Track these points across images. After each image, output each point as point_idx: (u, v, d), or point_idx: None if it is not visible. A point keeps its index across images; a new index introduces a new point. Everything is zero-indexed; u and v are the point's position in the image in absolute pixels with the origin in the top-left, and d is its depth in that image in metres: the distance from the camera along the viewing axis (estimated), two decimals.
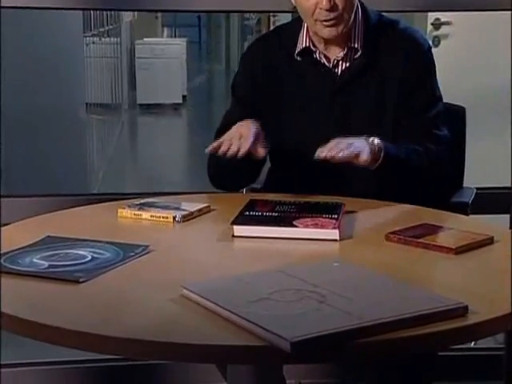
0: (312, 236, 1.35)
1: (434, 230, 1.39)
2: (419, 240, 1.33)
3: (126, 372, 2.30)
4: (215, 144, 1.57)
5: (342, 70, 1.72)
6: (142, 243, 1.31)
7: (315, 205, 1.51)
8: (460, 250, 1.29)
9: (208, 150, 1.58)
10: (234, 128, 1.61)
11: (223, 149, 1.55)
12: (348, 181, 1.68)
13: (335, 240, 1.35)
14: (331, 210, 1.46)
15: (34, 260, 1.23)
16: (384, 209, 1.52)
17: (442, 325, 0.99)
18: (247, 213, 1.46)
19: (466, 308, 1.02)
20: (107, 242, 1.31)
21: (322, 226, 1.37)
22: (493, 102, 3.15)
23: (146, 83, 9.69)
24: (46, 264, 1.21)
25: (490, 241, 1.34)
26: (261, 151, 1.59)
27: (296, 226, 1.38)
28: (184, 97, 10.27)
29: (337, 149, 1.51)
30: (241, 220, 1.41)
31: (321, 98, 1.72)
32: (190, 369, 2.29)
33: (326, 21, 1.66)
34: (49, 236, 1.35)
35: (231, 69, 14.02)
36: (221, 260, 1.30)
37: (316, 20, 1.67)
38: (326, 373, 2.30)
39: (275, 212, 1.46)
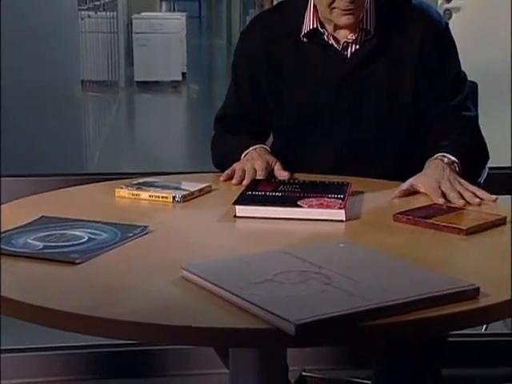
0: (317, 216, 1.35)
1: (445, 210, 1.39)
2: (429, 220, 1.33)
3: (125, 358, 2.32)
4: (229, 171, 1.62)
5: (351, 53, 1.66)
6: (141, 224, 1.31)
7: (321, 184, 1.51)
8: (471, 231, 1.29)
9: (221, 179, 1.62)
10: (249, 158, 1.64)
11: (235, 181, 1.59)
12: (359, 169, 1.67)
13: (341, 220, 1.34)
14: (337, 190, 1.45)
15: (29, 241, 1.23)
16: (394, 189, 1.51)
17: (452, 307, 0.99)
18: (250, 192, 1.46)
19: (477, 290, 1.02)
20: (104, 223, 1.31)
21: (328, 206, 1.37)
22: (506, 77, 3.14)
23: (143, 60, 9.66)
24: (41, 245, 1.21)
25: (502, 221, 1.34)
26: (284, 174, 1.62)
27: (300, 206, 1.37)
28: (183, 74, 10.24)
29: (456, 194, 1.46)
30: (243, 200, 1.41)
31: (328, 83, 1.67)
32: (191, 355, 2.30)
33: (345, 10, 1.60)
34: (44, 216, 1.36)
35: (233, 44, 13.94)
36: (222, 241, 1.30)
37: (334, 8, 1.60)
38: (331, 360, 2.31)
39: (279, 192, 1.45)
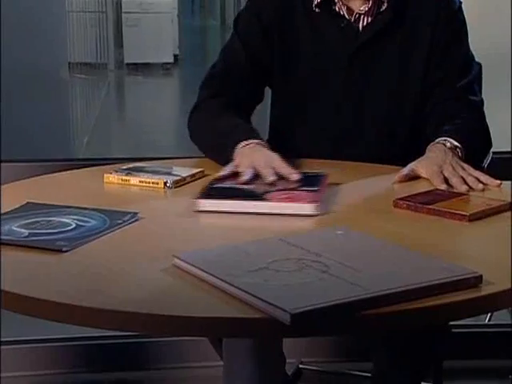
0: (284, 211, 1.30)
1: (447, 195, 1.39)
2: (430, 206, 1.33)
3: (118, 350, 2.33)
4: (230, 169, 1.46)
5: (363, 26, 1.66)
6: (131, 210, 1.31)
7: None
8: (474, 217, 1.29)
9: (220, 175, 1.45)
10: (257, 156, 1.48)
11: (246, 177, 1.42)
12: (361, 147, 1.67)
13: (310, 215, 1.30)
14: (311, 182, 1.41)
15: (13, 228, 1.23)
16: (394, 174, 1.51)
17: (454, 296, 0.99)
18: (216, 185, 1.41)
19: (480, 278, 1.02)
20: (92, 209, 1.31)
21: (297, 200, 1.33)
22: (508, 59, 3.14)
23: (133, 41, 9.63)
24: (26, 232, 1.21)
25: (507, 207, 1.34)
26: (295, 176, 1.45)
27: (267, 200, 1.33)
28: (175, 56, 10.21)
29: (458, 179, 1.45)
30: (207, 193, 1.37)
31: (339, 55, 1.67)
32: (186, 347, 2.31)
33: None
34: (29, 202, 1.35)
35: (227, 25, 13.91)
36: (215, 228, 1.30)
37: None
38: (329, 351, 2.32)
39: (250, 184, 1.40)
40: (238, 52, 1.71)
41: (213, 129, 1.64)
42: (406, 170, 1.50)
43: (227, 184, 1.41)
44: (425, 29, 1.67)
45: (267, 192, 1.36)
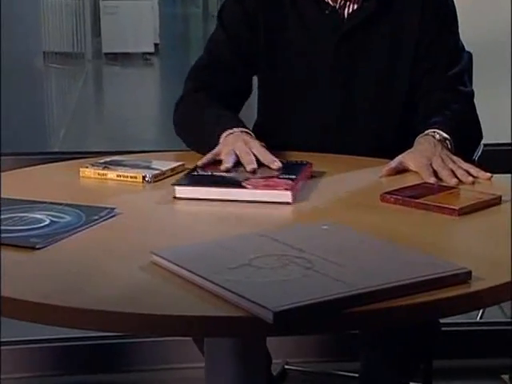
0: (262, 198, 1.34)
1: (436, 189, 1.40)
2: (418, 200, 1.34)
3: (97, 352, 2.33)
4: (211, 156, 1.49)
5: (349, 13, 1.67)
6: (108, 206, 1.31)
7: None
8: (464, 211, 1.30)
9: (200, 163, 1.49)
10: (239, 144, 1.50)
11: (229, 166, 1.45)
12: (347, 139, 1.68)
13: (287, 203, 1.33)
14: (291, 170, 1.44)
15: None
16: (382, 167, 1.52)
17: (443, 292, 1.00)
18: (195, 172, 1.45)
19: (469, 273, 1.03)
20: (67, 205, 1.31)
21: (274, 187, 1.36)
22: (498, 47, 3.16)
23: (112, 29, 9.59)
24: None
25: (497, 201, 1.35)
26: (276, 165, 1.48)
27: (244, 187, 1.36)
28: (156, 45, 10.19)
29: (448, 172, 1.46)
30: (185, 180, 1.41)
31: (324, 43, 1.68)
32: (167, 347, 2.32)
33: None
34: (1, 198, 1.35)
35: (210, 12, 13.89)
36: (195, 224, 1.30)
37: None
38: (316, 351, 2.33)
39: (229, 172, 1.44)
40: (223, 43, 1.72)
41: (198, 121, 1.65)
42: (393, 163, 1.51)
43: (207, 172, 1.44)
44: (413, 16, 1.67)
45: (246, 179, 1.39)
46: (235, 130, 1.55)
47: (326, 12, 1.68)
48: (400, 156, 1.52)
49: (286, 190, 1.35)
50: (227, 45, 1.72)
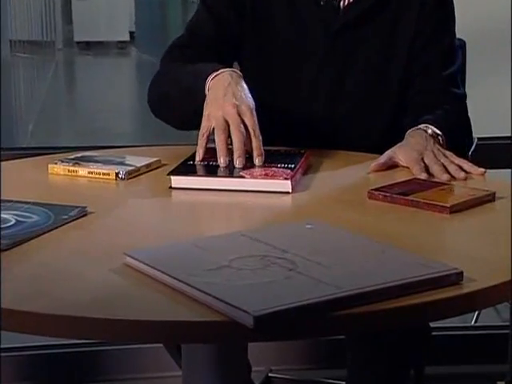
0: (261, 188, 1.38)
1: (426, 185, 1.41)
2: (408, 197, 1.35)
3: (67, 360, 2.33)
4: (203, 141, 1.45)
5: (344, 6, 1.67)
6: (78, 204, 1.31)
7: (274, 153, 1.52)
8: (456, 209, 1.31)
9: (198, 158, 1.46)
10: (228, 106, 1.44)
11: (224, 160, 1.43)
12: (335, 137, 1.68)
13: (287, 192, 1.37)
14: (289, 160, 1.47)
15: None
16: (370, 162, 1.53)
17: (433, 294, 1.01)
18: (191, 162, 1.47)
19: (460, 274, 1.04)
20: (35, 203, 1.31)
21: (273, 176, 1.39)
22: (494, 35, 3.18)
23: (84, 16, 9.56)
24: None
25: (491, 197, 1.36)
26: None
27: (243, 177, 1.39)
28: (131, 33, 10.17)
29: (440, 167, 1.47)
30: (180, 169, 1.44)
31: (317, 35, 1.68)
32: (142, 355, 2.32)
33: None
34: None
35: None
36: (174, 223, 1.31)
37: None
38: (301, 358, 2.34)
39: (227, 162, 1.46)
40: (205, 22, 1.71)
41: (177, 78, 1.61)
42: (383, 158, 1.51)
43: (204, 161, 1.46)
44: (410, 14, 1.68)
45: (244, 168, 1.42)
46: (221, 70, 1.51)
47: (321, 3, 1.67)
48: (389, 150, 1.53)
49: (286, 179, 1.37)
50: (209, 24, 1.70)
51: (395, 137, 1.65)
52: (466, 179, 1.46)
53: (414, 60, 1.69)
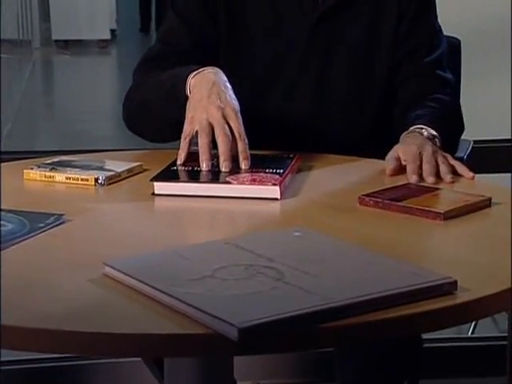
0: (248, 194, 1.38)
1: (419, 190, 1.42)
2: (400, 203, 1.35)
3: (42, 375, 2.31)
4: (185, 147, 1.46)
5: None
6: (55, 212, 1.31)
7: (261, 158, 1.52)
8: (450, 215, 1.31)
9: (179, 161, 1.47)
10: (212, 108, 1.45)
11: (207, 164, 1.44)
12: (321, 129, 1.69)
13: (275, 199, 1.37)
14: (278, 164, 1.48)
15: None
16: (362, 167, 1.54)
17: (427, 304, 1.01)
18: (174, 167, 1.47)
19: (454, 283, 1.04)
20: (9, 211, 1.30)
21: (260, 182, 1.40)
22: (491, 34, 3.20)
23: (63, 14, 9.53)
24: None
25: (487, 203, 1.37)
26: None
27: (229, 183, 1.40)
28: (113, 31, 10.15)
29: (432, 168, 1.47)
30: (164, 175, 1.44)
31: (296, 27, 1.69)
32: (123, 369, 2.31)
33: None
34: None
35: None
36: (156, 231, 1.31)
37: None
38: (289, 372, 2.34)
39: (211, 166, 1.46)
40: (177, 29, 1.71)
41: (155, 84, 1.61)
42: (391, 164, 1.50)
43: (188, 166, 1.47)
44: (391, 0, 1.70)
45: (231, 174, 1.42)
46: (202, 68, 1.52)
47: None
48: (391, 152, 1.53)
49: (274, 185, 1.38)
50: (181, 30, 1.70)
51: (384, 129, 1.66)
52: (452, 183, 1.46)
53: (399, 45, 1.72)
